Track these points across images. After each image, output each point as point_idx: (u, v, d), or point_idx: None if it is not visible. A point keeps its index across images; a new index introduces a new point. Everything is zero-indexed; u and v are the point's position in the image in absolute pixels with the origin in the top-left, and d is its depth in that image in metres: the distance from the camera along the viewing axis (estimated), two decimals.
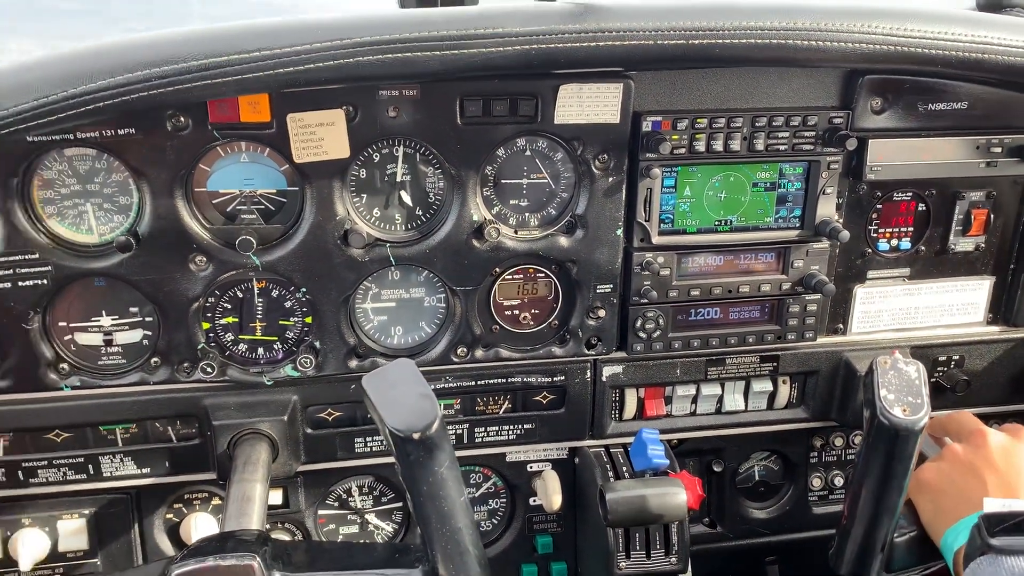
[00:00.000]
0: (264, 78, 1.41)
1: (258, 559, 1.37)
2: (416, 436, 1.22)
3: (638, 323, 1.95)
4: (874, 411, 1.50)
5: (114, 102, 1.39)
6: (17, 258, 1.67)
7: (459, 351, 1.92)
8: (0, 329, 1.72)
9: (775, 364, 2.07)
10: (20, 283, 1.68)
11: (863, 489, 1.55)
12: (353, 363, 1.88)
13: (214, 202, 1.75)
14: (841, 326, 2.11)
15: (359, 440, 1.95)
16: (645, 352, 1.98)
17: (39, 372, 1.76)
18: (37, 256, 1.68)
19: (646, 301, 1.92)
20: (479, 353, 1.93)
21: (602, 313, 1.93)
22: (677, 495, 1.71)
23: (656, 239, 1.89)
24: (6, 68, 1.44)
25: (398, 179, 1.80)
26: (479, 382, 1.96)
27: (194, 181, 1.72)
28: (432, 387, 1.38)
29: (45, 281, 1.69)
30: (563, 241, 1.87)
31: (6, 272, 1.67)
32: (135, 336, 1.82)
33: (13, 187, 1.63)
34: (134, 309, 1.80)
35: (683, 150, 1.82)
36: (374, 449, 1.97)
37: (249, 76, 1.41)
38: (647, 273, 1.90)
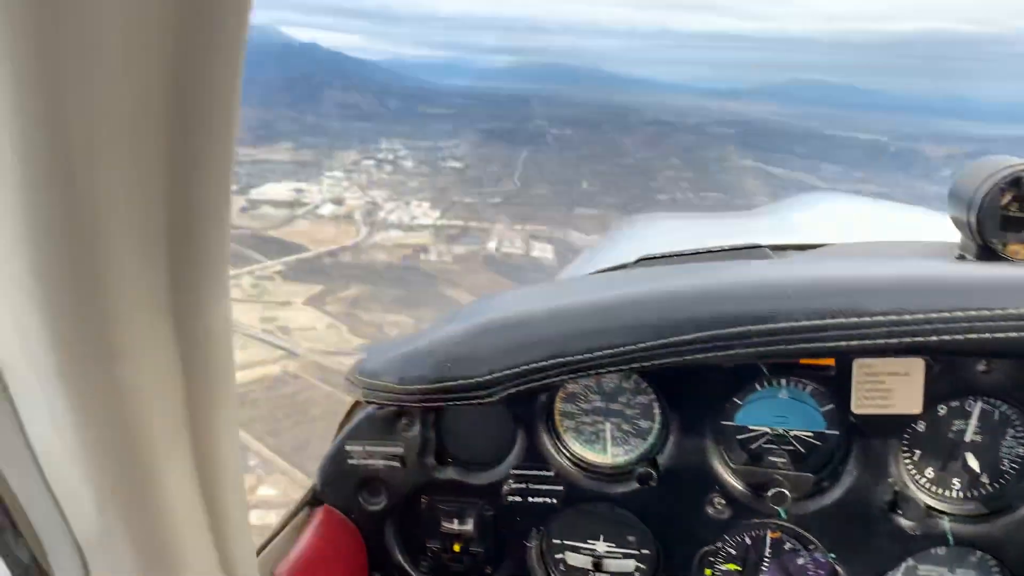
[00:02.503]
0: (907, 343, 1.17)
1: None
2: None
3: None
4: None
5: (666, 361, 1.26)
6: (533, 473, 1.58)
7: None
8: (499, 543, 1.64)
9: None
10: (531, 498, 1.60)
11: None
12: None
13: (739, 437, 1.54)
14: None
15: None
16: None
17: None
18: (553, 474, 1.58)
19: None
20: None
21: None
22: None
23: None
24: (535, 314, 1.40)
25: (966, 439, 1.46)
26: None
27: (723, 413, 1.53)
28: None
29: (555, 500, 1.59)
30: None
31: (519, 486, 1.59)
32: (627, 566, 1.65)
33: (539, 402, 1.55)
34: (632, 538, 1.64)
35: None
36: None
37: (878, 341, 1.17)
38: None
